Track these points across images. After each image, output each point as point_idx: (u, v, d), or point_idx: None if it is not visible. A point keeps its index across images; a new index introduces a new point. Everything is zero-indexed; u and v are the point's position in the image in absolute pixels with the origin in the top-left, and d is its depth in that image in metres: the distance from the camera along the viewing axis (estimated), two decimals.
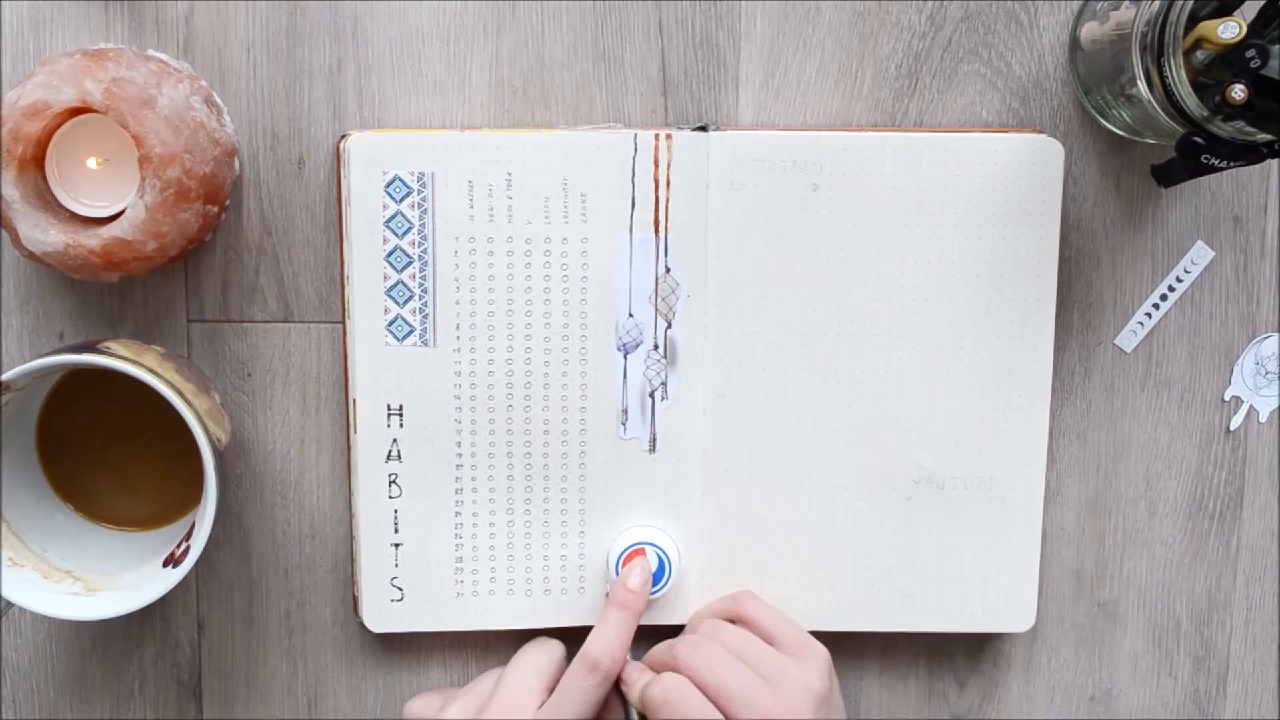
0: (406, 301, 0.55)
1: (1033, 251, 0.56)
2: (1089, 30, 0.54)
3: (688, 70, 0.56)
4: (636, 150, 0.55)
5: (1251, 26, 0.46)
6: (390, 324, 0.55)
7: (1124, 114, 0.54)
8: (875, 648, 0.60)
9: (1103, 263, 0.58)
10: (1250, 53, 0.46)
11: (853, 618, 0.58)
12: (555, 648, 0.56)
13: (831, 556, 0.58)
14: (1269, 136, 0.46)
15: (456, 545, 0.57)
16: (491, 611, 0.58)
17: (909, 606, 0.58)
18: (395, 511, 0.57)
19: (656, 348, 0.56)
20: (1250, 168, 0.55)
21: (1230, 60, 0.47)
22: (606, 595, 0.57)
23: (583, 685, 0.52)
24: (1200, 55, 0.48)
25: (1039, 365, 0.57)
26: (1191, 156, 0.47)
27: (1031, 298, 0.56)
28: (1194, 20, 0.47)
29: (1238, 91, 0.46)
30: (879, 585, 0.58)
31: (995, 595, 0.58)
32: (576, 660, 0.53)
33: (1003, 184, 0.55)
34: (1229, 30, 0.46)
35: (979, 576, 0.58)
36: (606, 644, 0.53)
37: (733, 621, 0.56)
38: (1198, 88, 0.47)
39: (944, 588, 0.58)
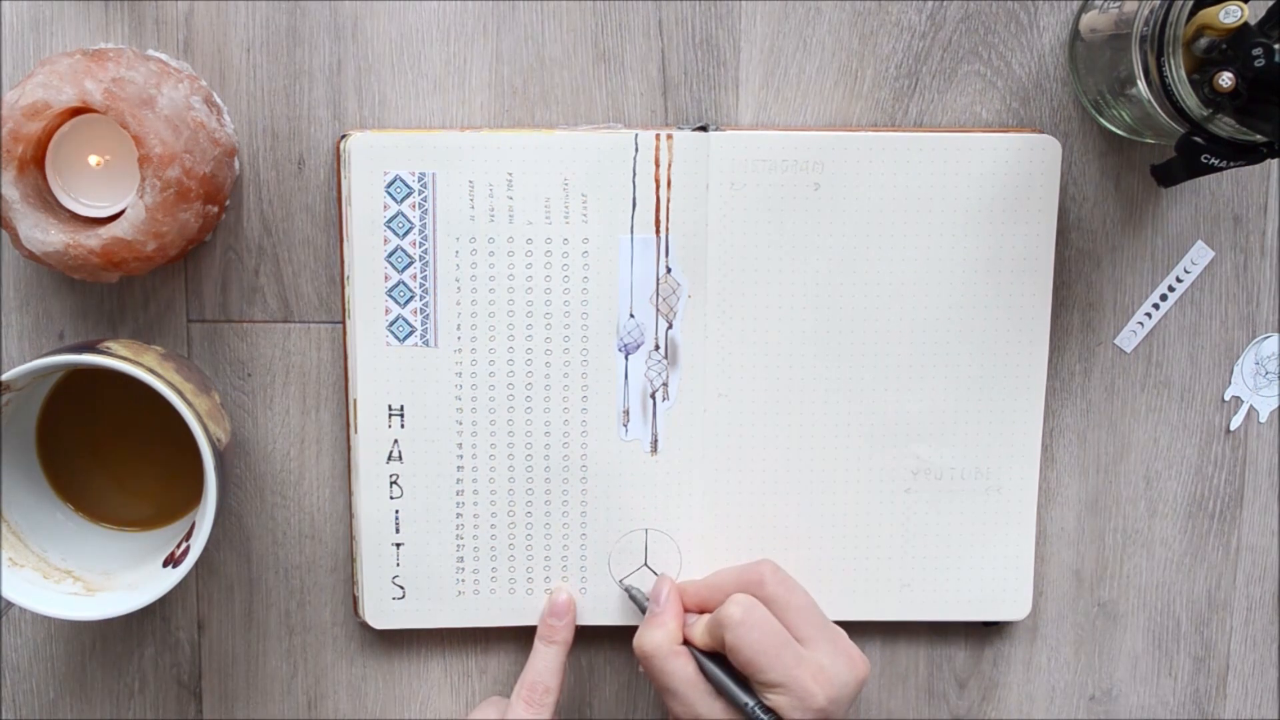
0: (407, 302, 0.55)
1: (1030, 247, 0.56)
2: (1089, 20, 0.54)
3: (688, 70, 0.56)
4: (637, 150, 0.54)
5: (1259, 26, 0.46)
6: (391, 324, 0.55)
7: (1124, 114, 0.54)
8: (876, 647, 0.60)
9: (1103, 263, 0.58)
10: (1256, 51, 0.46)
11: (853, 608, 0.58)
12: (503, 704, 0.57)
13: (832, 549, 0.58)
14: (1266, 137, 0.46)
15: (458, 545, 0.57)
16: (493, 609, 0.58)
17: (908, 596, 0.58)
18: (396, 512, 0.57)
19: (658, 348, 0.56)
20: (1250, 168, 0.55)
21: (1233, 54, 0.46)
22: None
23: (525, 714, 0.54)
24: (1203, 42, 0.48)
25: (1034, 358, 0.57)
26: (1191, 156, 0.47)
27: (1029, 293, 0.56)
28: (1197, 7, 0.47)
29: (1225, 79, 0.46)
30: (879, 576, 0.58)
31: (992, 584, 0.59)
32: (515, 692, 0.55)
33: (1002, 183, 0.55)
34: (1230, 15, 0.46)
35: (976, 566, 0.58)
36: (538, 675, 0.55)
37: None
38: (1196, 85, 0.47)
39: (942, 577, 0.58)
